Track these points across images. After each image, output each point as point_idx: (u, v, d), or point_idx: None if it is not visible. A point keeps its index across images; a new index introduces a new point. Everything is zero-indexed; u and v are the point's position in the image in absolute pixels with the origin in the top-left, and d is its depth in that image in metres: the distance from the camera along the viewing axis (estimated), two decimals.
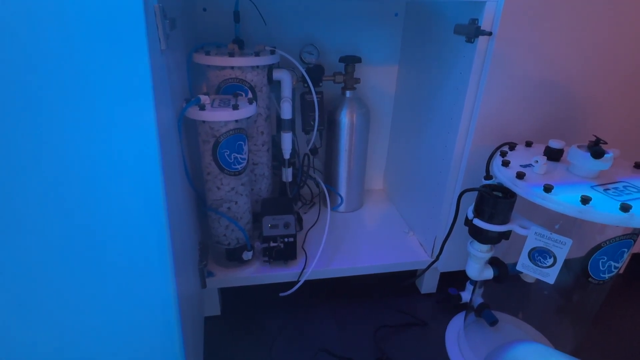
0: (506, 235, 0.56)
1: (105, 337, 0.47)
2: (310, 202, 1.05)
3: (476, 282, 0.78)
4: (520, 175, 0.53)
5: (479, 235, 0.57)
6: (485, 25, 0.62)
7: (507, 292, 0.79)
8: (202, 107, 0.63)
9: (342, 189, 1.01)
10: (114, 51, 0.37)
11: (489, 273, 0.62)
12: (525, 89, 0.67)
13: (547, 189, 0.49)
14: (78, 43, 0.36)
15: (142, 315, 0.46)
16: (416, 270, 0.93)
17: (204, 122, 0.64)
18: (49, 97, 0.36)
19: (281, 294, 0.78)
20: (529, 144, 0.66)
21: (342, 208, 1.03)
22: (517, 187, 0.53)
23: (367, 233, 0.95)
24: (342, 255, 0.86)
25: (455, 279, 0.87)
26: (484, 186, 0.56)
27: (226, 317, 0.84)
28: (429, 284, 0.91)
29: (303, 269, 0.80)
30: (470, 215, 0.57)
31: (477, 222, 0.55)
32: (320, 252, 0.82)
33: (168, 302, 0.46)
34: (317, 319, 0.83)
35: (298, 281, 0.78)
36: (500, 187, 0.56)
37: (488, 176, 0.65)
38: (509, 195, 0.54)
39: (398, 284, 0.91)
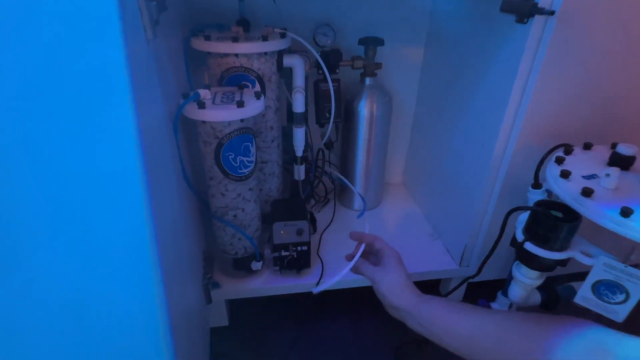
0: (564, 262, 0.47)
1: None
2: (324, 199, 0.97)
3: None
4: (587, 193, 0.43)
5: (529, 261, 0.48)
6: (543, 0, 0.50)
7: None
8: (202, 105, 0.53)
9: (360, 186, 0.92)
10: (79, 48, 0.28)
11: (535, 299, 0.53)
12: (588, 81, 0.56)
13: (625, 213, 0.40)
14: (38, 39, 0.27)
15: (126, 339, 0.39)
16: (439, 280, 0.85)
17: (204, 122, 0.55)
18: None
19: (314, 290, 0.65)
20: (587, 146, 0.56)
21: (359, 207, 0.94)
22: (584, 207, 0.43)
23: (387, 236, 0.86)
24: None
25: (485, 288, 0.79)
26: (540, 203, 0.46)
27: (234, 328, 0.78)
28: (454, 293, 0.83)
29: (320, 279, 0.73)
30: (520, 236, 0.47)
31: (529, 247, 0.46)
32: (338, 260, 0.75)
33: (155, 323, 0.38)
34: (332, 333, 0.77)
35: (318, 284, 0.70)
36: (559, 205, 0.47)
37: (537, 184, 0.55)
38: (573, 217, 0.44)
39: None
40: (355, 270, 0.57)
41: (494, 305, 0.77)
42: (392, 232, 0.88)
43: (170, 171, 0.48)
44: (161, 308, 0.36)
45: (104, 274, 0.34)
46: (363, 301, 0.83)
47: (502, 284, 0.73)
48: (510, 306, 0.70)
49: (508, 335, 0.40)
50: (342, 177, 0.91)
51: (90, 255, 0.33)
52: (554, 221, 0.44)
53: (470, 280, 0.71)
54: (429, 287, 0.85)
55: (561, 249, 0.45)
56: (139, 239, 0.33)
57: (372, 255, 0.58)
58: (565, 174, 0.48)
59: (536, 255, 0.46)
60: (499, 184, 0.64)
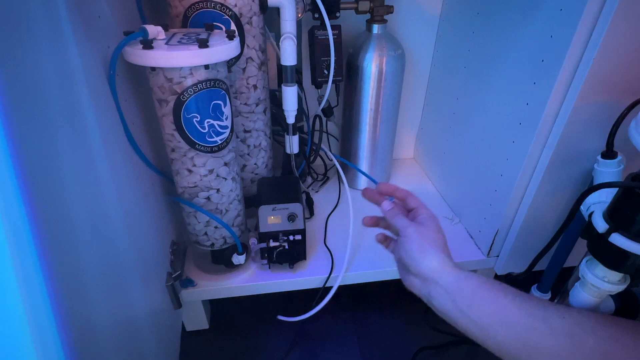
0: None
1: None
2: (324, 176, 0.83)
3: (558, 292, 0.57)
4: None
5: (615, 259, 0.34)
6: None
7: None
8: (148, 45, 0.38)
9: (365, 161, 0.77)
10: None
11: (607, 306, 0.39)
12: None
13: None
14: None
15: None
16: None
17: (153, 69, 0.40)
18: None
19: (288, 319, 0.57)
20: None
21: (364, 186, 0.80)
22: None
23: None
24: (365, 253, 0.64)
25: (515, 282, 0.65)
26: (637, 177, 0.32)
27: (216, 331, 0.65)
28: None
29: (330, 273, 0.60)
30: (602, 226, 0.33)
31: (618, 240, 0.32)
32: (348, 252, 0.62)
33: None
34: (335, 338, 0.64)
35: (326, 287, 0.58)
36: None
37: (610, 152, 0.41)
38: None
39: None
40: (384, 223, 0.45)
41: None
42: None
43: (93, 139, 0.33)
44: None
45: None
46: (369, 300, 0.71)
47: (535, 277, 0.60)
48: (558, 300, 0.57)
49: (586, 336, 0.29)
50: (327, 151, 0.76)
51: None
52: None
53: (492, 268, 0.58)
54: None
55: None
56: None
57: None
58: None
59: (628, 253, 0.32)
60: (547, 153, 0.50)
